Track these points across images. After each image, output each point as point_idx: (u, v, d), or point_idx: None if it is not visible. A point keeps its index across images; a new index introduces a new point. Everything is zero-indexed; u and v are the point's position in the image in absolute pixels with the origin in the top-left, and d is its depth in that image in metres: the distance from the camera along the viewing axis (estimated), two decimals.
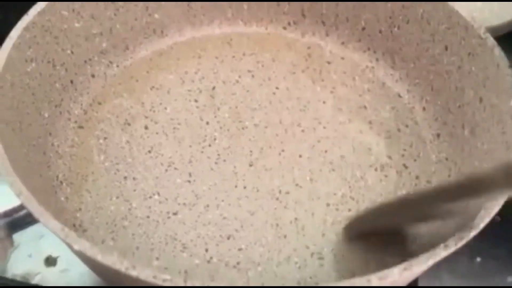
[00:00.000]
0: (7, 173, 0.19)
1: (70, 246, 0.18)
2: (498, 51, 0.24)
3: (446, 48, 0.28)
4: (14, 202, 0.20)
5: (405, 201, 0.21)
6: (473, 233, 0.17)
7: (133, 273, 0.16)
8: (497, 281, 0.27)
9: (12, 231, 0.20)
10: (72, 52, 0.29)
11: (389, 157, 0.28)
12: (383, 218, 0.23)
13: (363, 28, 0.32)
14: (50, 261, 0.27)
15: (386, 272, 0.16)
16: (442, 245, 0.17)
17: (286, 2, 0.34)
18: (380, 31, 0.32)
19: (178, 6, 0.33)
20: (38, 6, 0.26)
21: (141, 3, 0.31)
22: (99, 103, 0.30)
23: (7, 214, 0.20)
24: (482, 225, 0.17)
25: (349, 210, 0.26)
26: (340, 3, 0.32)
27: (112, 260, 0.16)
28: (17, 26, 0.25)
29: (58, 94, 0.28)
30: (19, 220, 0.20)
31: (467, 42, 0.26)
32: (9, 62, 0.23)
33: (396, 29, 0.31)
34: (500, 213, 0.29)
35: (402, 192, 0.27)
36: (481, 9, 0.30)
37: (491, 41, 0.25)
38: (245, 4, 0.34)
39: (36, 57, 0.26)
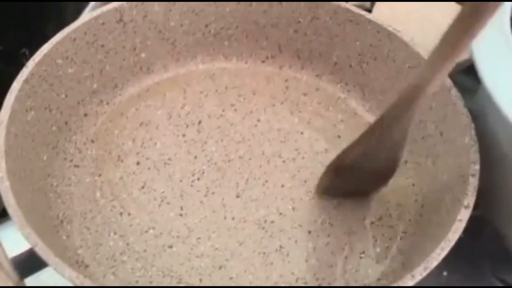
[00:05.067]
0: (22, 226, 0.20)
1: None
2: (454, 92, 0.28)
3: None
4: (25, 247, 0.22)
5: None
6: (435, 263, 0.20)
7: None
8: None
9: (23, 275, 0.22)
10: (66, 96, 0.31)
11: None
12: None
13: (335, 63, 0.35)
14: None
15: None
16: (409, 275, 0.20)
17: (264, 39, 0.36)
18: (351, 66, 0.35)
19: (163, 45, 0.35)
20: (36, 57, 0.28)
21: (128, 45, 0.33)
22: (92, 141, 0.32)
23: (18, 259, 0.22)
24: (442, 256, 0.20)
25: (328, 235, 0.29)
26: (313, 40, 0.35)
27: None
28: (17, 79, 0.26)
29: (54, 136, 0.30)
30: (31, 265, 0.22)
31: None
32: (12, 115, 0.25)
33: (365, 64, 0.34)
34: (463, 230, 0.33)
35: (375, 218, 0.29)
36: None
37: (448, 81, 0.28)
38: (225, 40, 0.36)
39: (35, 106, 0.27)
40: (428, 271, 0.20)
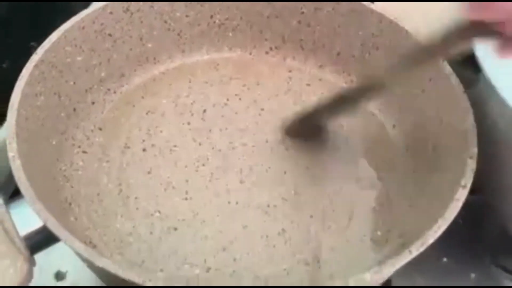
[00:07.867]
0: (33, 202, 0.21)
1: (91, 263, 0.21)
2: (454, 78, 0.28)
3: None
4: (35, 225, 0.23)
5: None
6: (431, 240, 0.21)
7: (149, 284, 0.19)
8: (461, 278, 0.31)
9: (33, 251, 0.23)
10: (74, 83, 0.31)
11: (366, 170, 0.32)
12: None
13: (338, 53, 0.36)
14: (60, 276, 0.30)
15: (360, 276, 0.19)
16: (407, 250, 0.20)
17: (268, 30, 0.37)
18: (353, 56, 0.35)
19: (169, 35, 0.36)
20: (46, 44, 0.28)
21: (135, 35, 0.34)
22: (100, 129, 0.33)
23: (29, 236, 0.23)
24: (438, 233, 0.21)
25: (330, 220, 0.29)
26: (316, 31, 0.36)
27: (130, 275, 0.19)
28: (27, 65, 0.27)
29: (63, 122, 0.31)
30: (40, 241, 0.23)
31: (428, 69, 0.30)
32: (23, 98, 0.26)
33: (367, 54, 0.35)
34: (462, 217, 0.33)
35: (376, 203, 0.30)
36: None
37: (448, 69, 0.29)
38: (230, 31, 0.37)
39: (44, 91, 0.28)
40: (425, 246, 0.21)
